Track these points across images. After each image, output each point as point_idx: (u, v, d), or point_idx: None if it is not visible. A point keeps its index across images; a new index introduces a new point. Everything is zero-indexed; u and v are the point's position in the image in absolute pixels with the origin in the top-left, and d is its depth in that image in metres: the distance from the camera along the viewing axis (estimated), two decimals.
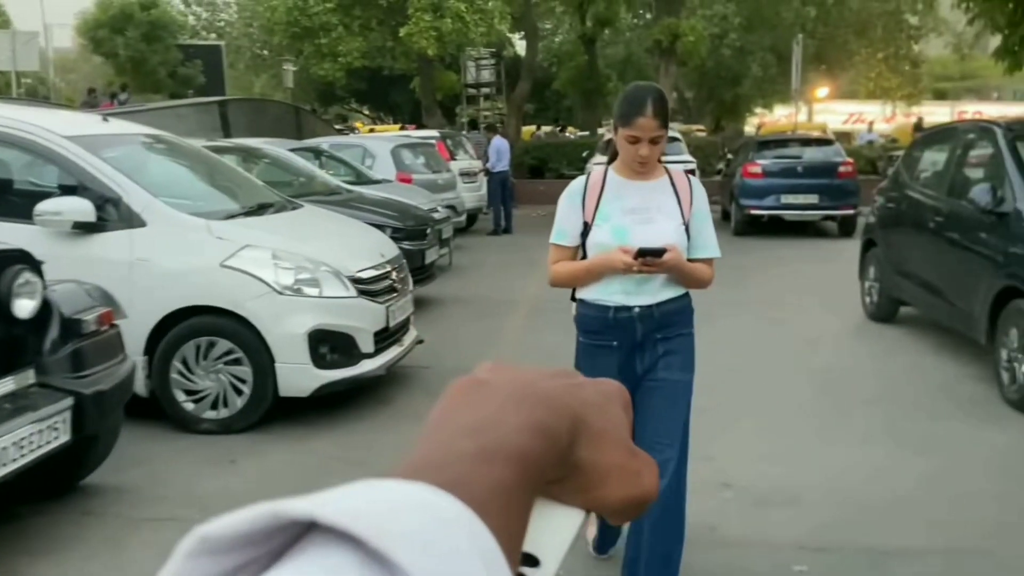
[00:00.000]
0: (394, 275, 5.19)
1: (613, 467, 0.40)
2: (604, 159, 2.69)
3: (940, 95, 44.80)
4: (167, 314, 4.45)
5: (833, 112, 36.95)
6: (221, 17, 36.60)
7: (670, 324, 2.60)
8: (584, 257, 2.62)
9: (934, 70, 44.61)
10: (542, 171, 19.35)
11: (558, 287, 2.70)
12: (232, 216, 4.88)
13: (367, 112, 40.64)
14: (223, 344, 4.48)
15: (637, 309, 2.57)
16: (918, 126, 24.68)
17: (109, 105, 19.12)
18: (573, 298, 2.71)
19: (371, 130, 28.89)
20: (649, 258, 2.44)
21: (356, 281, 4.78)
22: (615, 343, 2.60)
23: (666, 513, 2.54)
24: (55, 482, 3.65)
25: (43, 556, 3.18)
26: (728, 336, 6.38)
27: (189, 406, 4.53)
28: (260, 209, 5.20)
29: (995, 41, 9.76)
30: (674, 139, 14.98)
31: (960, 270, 5.52)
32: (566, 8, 23.72)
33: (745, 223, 13.20)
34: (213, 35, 35.69)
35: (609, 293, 2.58)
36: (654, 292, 2.57)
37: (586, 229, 2.58)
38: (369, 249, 5.21)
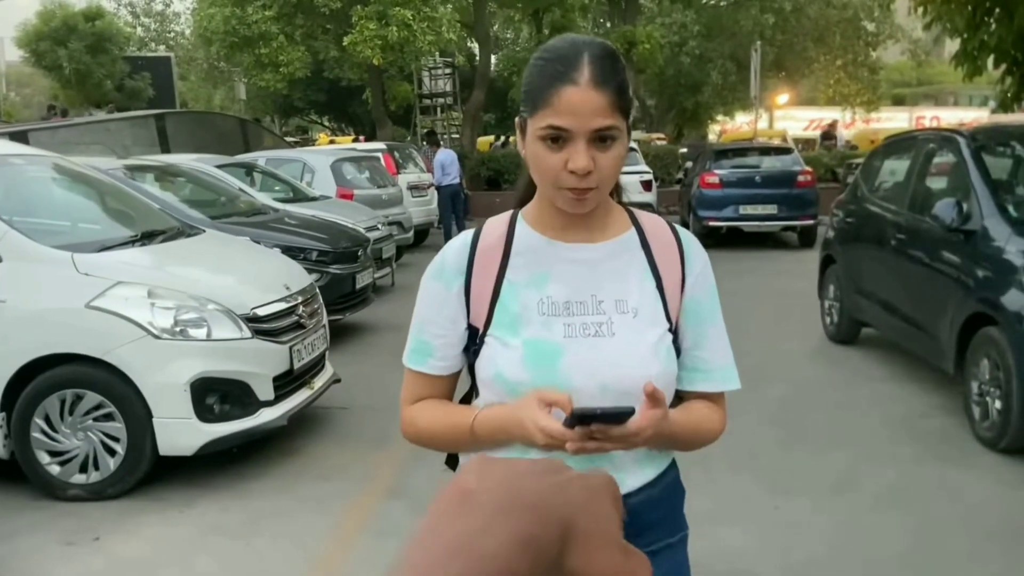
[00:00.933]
0: (302, 309, 4.62)
1: (605, 572, 0.40)
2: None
3: (898, 101, 45.42)
4: (25, 364, 3.84)
5: (794, 119, 37.25)
6: (171, 28, 35.72)
7: (647, 528, 1.33)
8: (470, 395, 1.43)
9: (892, 76, 45.16)
10: (498, 182, 18.90)
11: (420, 446, 1.42)
12: (108, 247, 4.26)
13: (327, 123, 40.02)
14: (92, 397, 3.88)
15: None
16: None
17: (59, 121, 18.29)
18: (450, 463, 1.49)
19: (331, 141, 28.25)
20: (598, 427, 1.15)
21: (252, 319, 4.20)
22: None
23: None
24: None
25: None
26: None
27: (54, 469, 3.92)
28: (145, 238, 4.59)
29: (953, 47, 9.46)
30: (630, 150, 14.60)
31: (925, 292, 5.08)
32: (522, 17, 23.35)
33: (703, 235, 12.78)
34: (163, 47, 34.80)
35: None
36: (617, 474, 1.17)
37: (473, 341, 1.35)
38: (272, 281, 4.63)
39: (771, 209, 12.54)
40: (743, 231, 12.83)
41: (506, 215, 1.39)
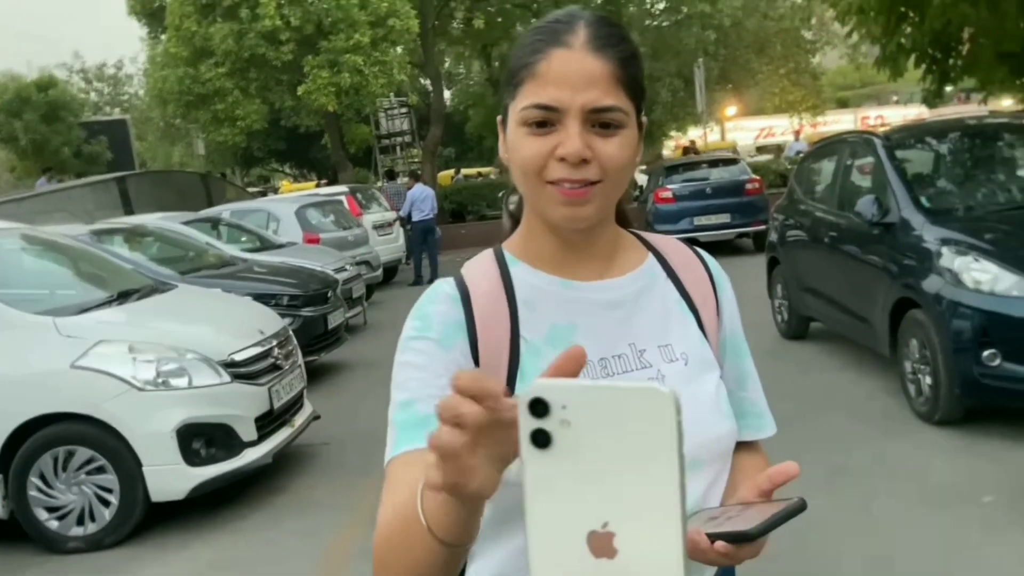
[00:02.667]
0: (277, 351, 4.87)
1: None
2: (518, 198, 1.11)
3: (843, 103, 46.56)
4: (18, 426, 4.05)
5: (744, 129, 38.08)
6: (125, 91, 35.94)
7: None
8: None
9: (835, 80, 46.44)
10: (462, 214, 19.27)
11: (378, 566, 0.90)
12: (86, 309, 4.51)
13: (288, 171, 40.24)
14: (83, 452, 4.09)
15: None
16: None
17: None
18: None
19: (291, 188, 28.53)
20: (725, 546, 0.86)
21: (231, 365, 4.45)
22: None
23: None
24: None
25: None
26: None
27: (53, 524, 4.12)
28: (121, 297, 4.83)
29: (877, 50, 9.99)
30: None
31: (858, 283, 5.45)
32: (471, 52, 23.88)
33: None
34: (117, 110, 34.94)
35: None
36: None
37: None
38: (247, 327, 4.89)
39: (724, 218, 13.01)
40: (700, 241, 13.25)
41: (485, 254, 1.08)
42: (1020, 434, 4.23)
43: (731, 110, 35.44)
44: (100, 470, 4.09)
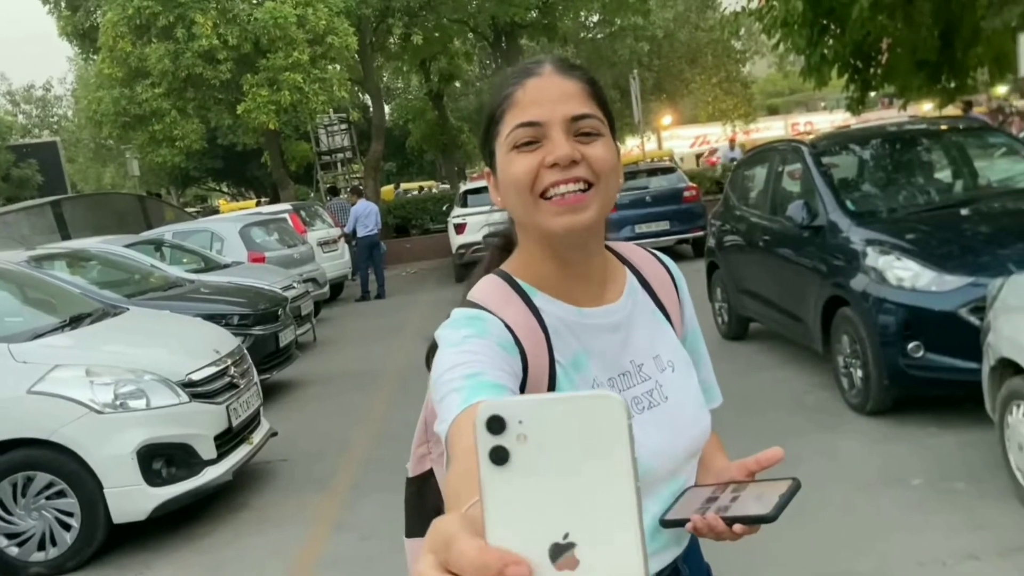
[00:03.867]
0: (233, 370, 4.92)
1: None
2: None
3: (773, 111, 47.92)
4: None
5: (680, 137, 38.78)
6: (54, 112, 35.07)
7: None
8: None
9: (765, 88, 47.79)
10: (407, 229, 19.33)
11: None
12: (40, 335, 4.51)
13: (225, 190, 39.70)
14: (42, 477, 4.09)
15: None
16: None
17: None
18: None
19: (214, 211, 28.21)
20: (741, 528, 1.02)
21: (188, 384, 4.50)
22: None
23: None
24: None
25: None
26: None
27: (13, 551, 4.11)
28: (73, 322, 4.83)
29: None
30: None
31: (791, 284, 5.74)
32: (410, 67, 23.99)
33: None
34: (47, 132, 34.05)
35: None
36: (679, 537, 1.19)
37: None
38: (201, 347, 4.93)
39: (663, 225, 13.36)
40: None
41: (496, 284, 1.12)
42: (943, 421, 4.53)
43: (667, 119, 36.18)
44: (60, 494, 4.09)
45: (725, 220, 7.26)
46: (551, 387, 1.07)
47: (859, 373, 4.82)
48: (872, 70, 10.05)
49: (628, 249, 1.24)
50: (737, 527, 0.99)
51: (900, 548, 3.27)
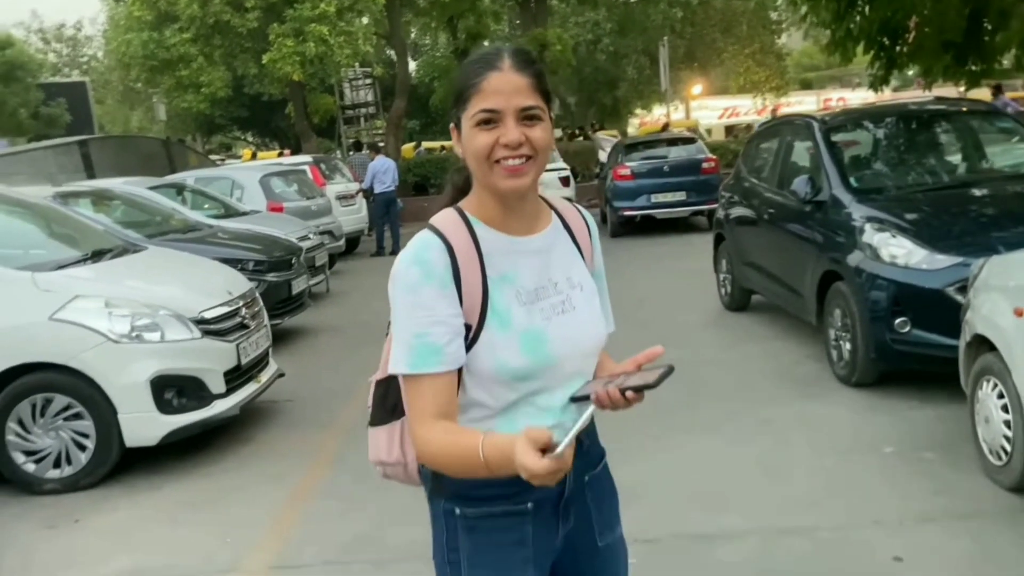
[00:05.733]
0: (244, 311, 5.13)
1: None
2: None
3: (806, 85, 47.15)
4: None
5: (708, 108, 38.26)
6: (84, 53, 35.27)
7: (595, 446, 1.65)
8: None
9: (800, 61, 46.97)
10: (425, 187, 19.44)
11: (433, 467, 1.47)
12: (63, 266, 4.73)
13: (250, 139, 39.85)
14: (60, 399, 4.34)
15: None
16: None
17: None
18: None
19: (253, 156, 28.37)
20: (633, 395, 1.36)
21: (201, 322, 4.71)
22: (529, 505, 1.49)
23: None
24: None
25: None
26: None
27: (30, 467, 4.37)
28: (95, 256, 5.05)
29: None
30: None
31: (791, 257, 5.86)
32: (438, 24, 23.89)
33: (619, 224, 13.62)
34: (76, 71, 34.29)
35: (518, 423, 1.43)
36: (593, 448, 1.62)
37: (471, 336, 1.43)
38: (215, 287, 5.14)
39: (680, 196, 13.40)
40: (656, 218, 13.66)
41: (452, 216, 1.46)
42: (925, 395, 4.67)
43: (697, 89, 35.69)
44: (77, 416, 4.34)
45: (734, 192, 7.35)
46: (484, 297, 1.43)
47: (847, 346, 4.96)
48: (898, 48, 9.97)
49: (557, 201, 1.62)
50: (629, 394, 1.35)
51: (860, 508, 3.44)
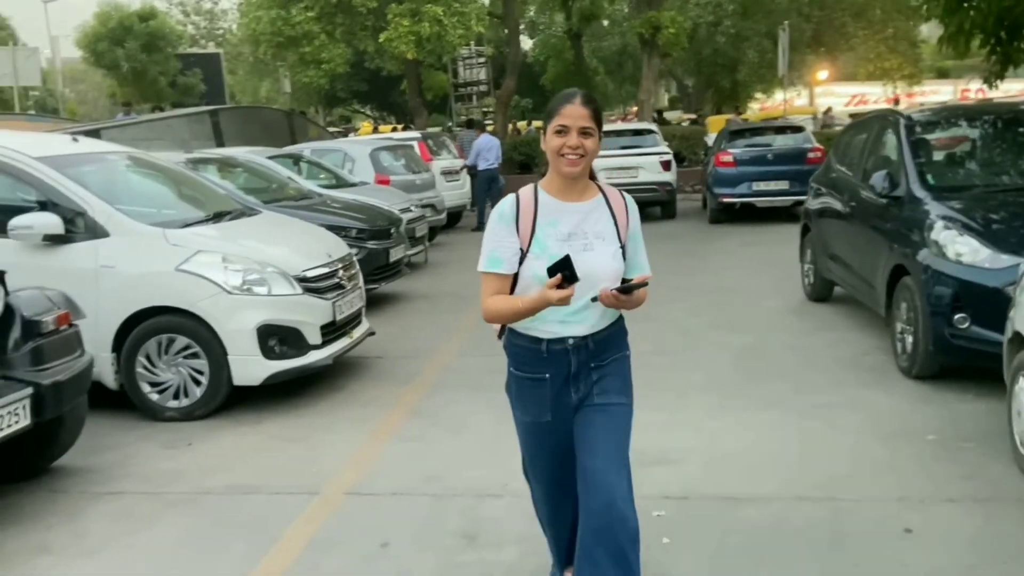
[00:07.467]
0: (341, 273, 5.67)
1: None
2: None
3: (943, 74, 44.67)
4: (130, 315, 4.96)
5: (834, 94, 36.84)
6: (220, 26, 37.34)
7: (605, 351, 2.48)
8: (514, 286, 2.43)
9: (939, 49, 44.48)
10: (530, 166, 19.83)
11: (493, 323, 2.52)
12: (188, 224, 5.38)
13: (369, 113, 41.23)
14: (181, 340, 4.99)
15: (571, 340, 2.43)
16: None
17: None
18: (500, 334, 2.60)
19: (375, 130, 29.47)
20: (622, 296, 2.31)
21: (302, 280, 5.28)
22: (547, 375, 2.46)
23: (620, 540, 2.33)
24: (27, 464, 4.17)
25: (9, 526, 3.70)
26: (668, 318, 6.85)
27: (154, 397, 5.04)
28: (216, 217, 5.70)
29: None
30: (650, 131, 15.43)
31: (867, 250, 5.94)
32: (554, 3, 24.12)
33: (719, 211, 13.63)
34: (212, 43, 36.32)
35: (543, 323, 2.42)
36: (592, 322, 2.44)
37: (522, 256, 2.37)
38: (317, 250, 5.70)
39: (783, 185, 13.26)
40: (756, 207, 13.60)
41: (530, 186, 2.47)
42: (980, 389, 4.75)
43: (823, 74, 34.33)
44: (194, 355, 4.98)
45: (821, 183, 7.41)
46: (532, 232, 2.39)
47: (910, 339, 5.06)
48: (1016, 44, 9.62)
49: (609, 189, 2.53)
50: (612, 292, 2.31)
51: (888, 485, 3.64)
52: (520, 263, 2.38)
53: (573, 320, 2.42)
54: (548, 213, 2.40)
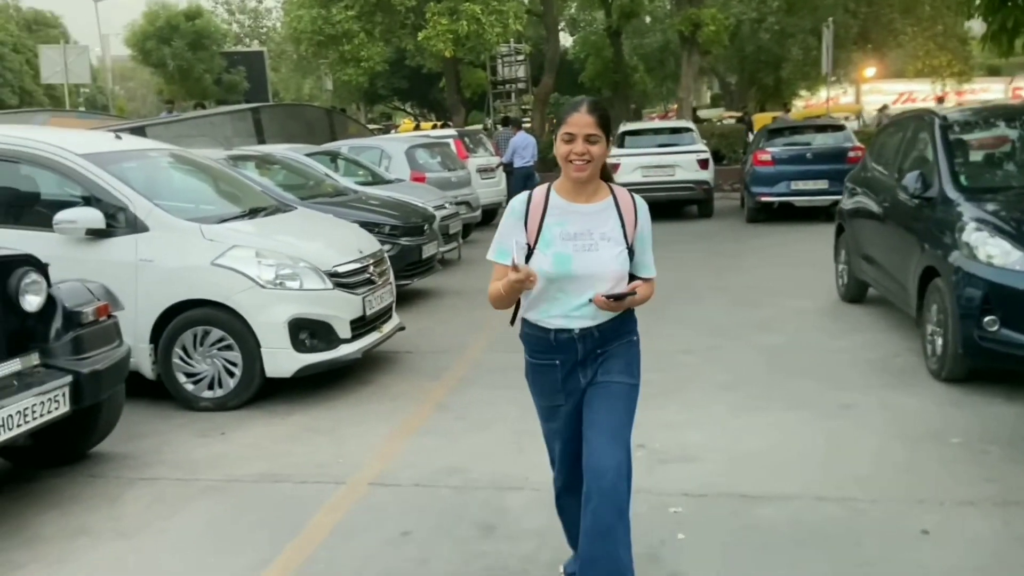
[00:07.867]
0: (372, 269, 5.78)
1: None
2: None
3: (994, 71, 43.60)
4: (168, 307, 5.12)
5: (882, 92, 36.12)
6: (263, 24, 37.94)
7: (611, 339, 2.63)
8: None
9: (981, 48, 43.45)
10: None
11: (494, 305, 2.70)
12: (224, 220, 5.53)
13: (409, 110, 41.55)
14: (216, 332, 5.13)
15: (577, 331, 2.59)
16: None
17: None
18: (512, 321, 2.80)
19: (416, 127, 29.68)
20: (613, 300, 2.49)
21: (333, 275, 5.39)
22: (557, 361, 2.63)
23: (613, 515, 2.51)
24: (67, 450, 4.34)
25: (49, 509, 3.86)
26: (698, 317, 6.85)
27: (189, 387, 5.20)
28: (252, 213, 5.84)
29: None
30: (687, 129, 15.34)
31: (899, 251, 5.88)
32: (591, 2, 24.06)
33: (756, 210, 13.51)
34: (256, 42, 36.91)
35: (549, 316, 2.60)
36: (595, 315, 2.58)
37: (529, 251, 2.54)
38: (349, 246, 5.81)
39: (822, 184, 13.09)
40: (795, 206, 13.46)
41: (544, 186, 2.63)
42: (1009, 393, 4.69)
43: (870, 71, 33.69)
44: (228, 347, 5.12)
45: (857, 183, 7.33)
46: (539, 229, 2.56)
47: (939, 341, 5.01)
48: None
49: (619, 191, 2.66)
50: (602, 298, 2.49)
51: (908, 487, 3.63)
52: (528, 259, 2.54)
53: (576, 315, 2.59)
54: (557, 213, 2.56)
